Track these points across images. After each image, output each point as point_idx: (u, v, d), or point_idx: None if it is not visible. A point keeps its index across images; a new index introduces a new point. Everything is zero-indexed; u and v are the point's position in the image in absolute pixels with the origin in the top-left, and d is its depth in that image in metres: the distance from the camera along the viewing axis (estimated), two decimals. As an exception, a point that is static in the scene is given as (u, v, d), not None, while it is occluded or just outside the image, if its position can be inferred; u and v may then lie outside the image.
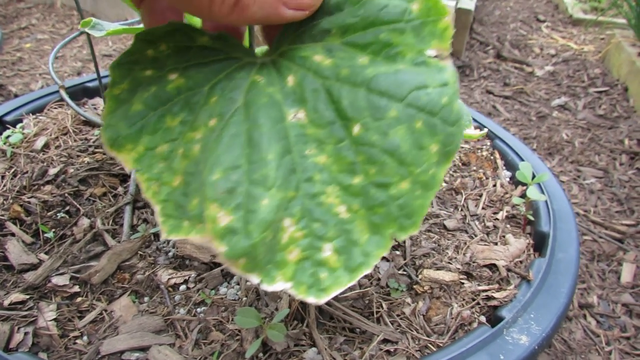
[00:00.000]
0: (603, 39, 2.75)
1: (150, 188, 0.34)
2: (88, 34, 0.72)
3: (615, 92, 2.12)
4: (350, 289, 0.66)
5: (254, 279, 0.32)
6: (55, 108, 1.06)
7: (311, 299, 0.32)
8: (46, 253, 0.71)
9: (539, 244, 0.77)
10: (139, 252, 0.70)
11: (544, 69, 2.40)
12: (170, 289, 0.65)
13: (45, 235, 0.73)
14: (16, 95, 2.02)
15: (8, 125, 0.98)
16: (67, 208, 0.79)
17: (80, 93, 1.14)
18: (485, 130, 1.01)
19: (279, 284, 0.32)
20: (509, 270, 0.70)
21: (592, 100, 2.09)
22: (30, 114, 1.01)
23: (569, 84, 2.25)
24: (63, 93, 0.90)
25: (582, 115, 1.97)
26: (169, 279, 0.66)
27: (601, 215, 1.43)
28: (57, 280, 0.64)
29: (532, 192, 0.78)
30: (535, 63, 2.47)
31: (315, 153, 0.33)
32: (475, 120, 1.11)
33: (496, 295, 0.64)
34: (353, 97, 0.33)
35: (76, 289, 0.64)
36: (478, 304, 0.65)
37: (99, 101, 1.12)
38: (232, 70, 0.36)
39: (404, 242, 0.75)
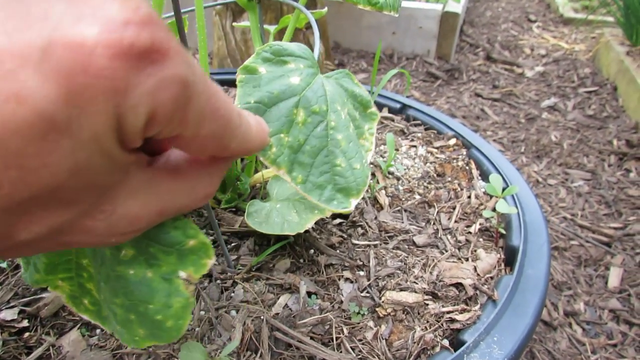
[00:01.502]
0: (594, 38, 2.73)
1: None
2: None
3: (605, 92, 2.09)
4: (310, 314, 0.64)
5: None
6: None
7: None
8: (1, 284, 0.69)
9: (510, 258, 0.75)
10: (94, 280, 0.68)
11: (534, 69, 2.38)
12: (124, 319, 0.63)
13: (0, 265, 0.71)
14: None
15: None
16: (26, 235, 0.77)
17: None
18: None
19: None
20: (475, 288, 0.68)
21: (581, 101, 2.07)
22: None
23: (559, 85, 2.22)
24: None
25: (571, 116, 1.95)
26: (123, 308, 0.64)
27: (589, 219, 1.40)
28: (6, 314, 0.62)
29: (502, 206, 0.75)
30: (526, 64, 2.44)
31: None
32: (451, 129, 1.09)
33: (459, 317, 0.62)
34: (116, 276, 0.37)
35: (25, 323, 0.62)
36: (441, 326, 0.63)
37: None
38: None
39: (369, 262, 0.73)
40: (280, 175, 0.44)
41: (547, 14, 3.30)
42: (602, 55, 2.30)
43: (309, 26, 1.84)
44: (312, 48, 1.61)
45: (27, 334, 0.61)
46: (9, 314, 0.62)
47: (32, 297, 0.65)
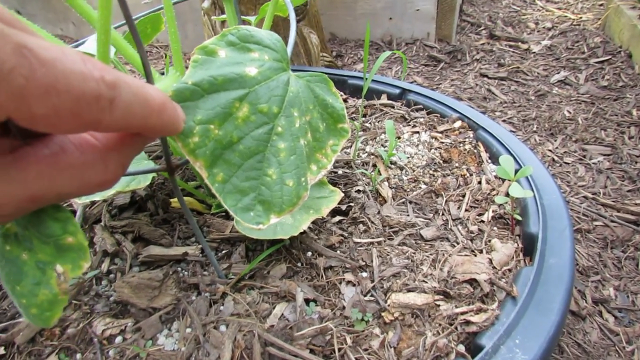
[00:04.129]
0: (601, 5, 2.61)
1: None
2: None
3: (619, 60, 1.99)
4: (308, 324, 0.57)
5: None
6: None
7: None
8: (-24, 311, 0.64)
9: (529, 247, 0.67)
10: (74, 300, 0.62)
11: (541, 44, 2.28)
12: (105, 341, 0.58)
13: (-25, 291, 0.66)
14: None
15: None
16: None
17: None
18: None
19: None
20: (492, 284, 0.61)
21: (594, 72, 1.97)
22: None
23: (568, 57, 2.12)
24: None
25: (584, 89, 1.85)
26: (104, 329, 0.58)
27: (612, 197, 1.32)
28: (-23, 345, 0.57)
29: (516, 190, 0.68)
30: (531, 39, 2.34)
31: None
32: (456, 110, 1.01)
33: (474, 319, 0.55)
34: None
35: (1, 350, 0.57)
36: (456, 329, 0.56)
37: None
38: None
39: (372, 261, 0.66)
40: (198, 170, 0.38)
41: (550, -13, 3.18)
42: (613, 22, 2.19)
43: (302, 17, 1.77)
44: (306, 41, 1.53)
45: (0, 366, 0.56)
46: (-20, 345, 0.57)
47: (7, 323, 0.60)
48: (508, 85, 1.95)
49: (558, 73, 2.00)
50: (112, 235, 0.71)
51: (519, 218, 0.72)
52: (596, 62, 2.03)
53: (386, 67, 2.18)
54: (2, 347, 0.58)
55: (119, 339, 0.58)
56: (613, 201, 1.29)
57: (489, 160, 0.88)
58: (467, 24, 2.57)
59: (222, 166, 0.39)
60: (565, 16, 2.58)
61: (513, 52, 2.23)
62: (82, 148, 0.29)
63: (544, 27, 2.46)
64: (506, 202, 0.74)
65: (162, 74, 1.02)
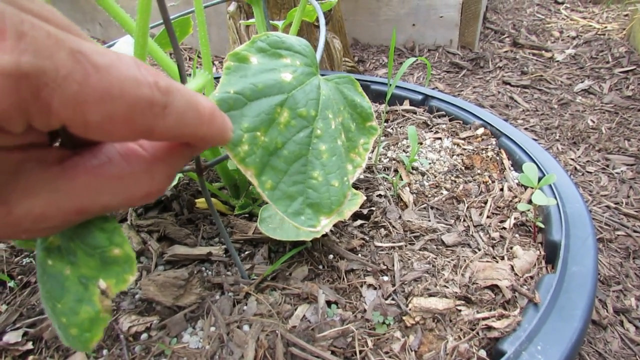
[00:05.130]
0: (627, 15, 2.58)
1: None
2: None
3: (644, 70, 1.97)
4: (330, 326, 0.58)
5: None
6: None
7: None
8: (9, 304, 0.66)
9: (551, 255, 0.67)
10: (100, 298, 0.64)
11: (565, 52, 2.26)
12: (130, 338, 0.59)
13: (9, 284, 0.68)
14: None
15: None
16: (36, 252, 0.74)
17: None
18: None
19: None
20: (514, 290, 0.61)
21: (618, 82, 1.94)
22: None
23: (592, 66, 2.10)
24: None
25: (608, 99, 1.83)
26: (130, 326, 0.60)
27: (635, 207, 1.30)
28: (10, 337, 0.59)
29: (539, 197, 0.68)
30: (555, 47, 2.33)
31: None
32: (479, 117, 1.02)
33: (496, 324, 0.55)
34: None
35: (29, 345, 0.59)
36: (477, 334, 0.56)
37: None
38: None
39: (393, 265, 0.66)
40: (247, 177, 0.39)
41: (575, -5, 3.15)
42: (638, 32, 2.17)
43: (326, 22, 1.78)
44: (329, 46, 1.54)
45: (31, 357, 0.58)
46: (13, 336, 0.59)
47: (36, 318, 0.62)
48: (531, 93, 1.94)
49: (582, 82, 1.98)
50: (138, 234, 0.73)
51: (542, 225, 0.72)
52: (621, 72, 2.00)
53: (408, 73, 2.18)
54: (30, 342, 0.60)
55: (144, 336, 0.59)
56: (636, 211, 1.28)
57: (512, 168, 0.88)
58: (490, 31, 2.56)
59: (270, 173, 0.39)
60: (590, 25, 2.55)
61: (536, 60, 2.22)
62: (129, 158, 0.28)
63: (568, 36, 2.44)
64: (528, 210, 0.74)
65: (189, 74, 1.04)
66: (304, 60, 0.45)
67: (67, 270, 0.33)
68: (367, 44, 2.45)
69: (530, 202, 0.76)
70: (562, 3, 2.99)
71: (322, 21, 0.65)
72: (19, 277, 0.70)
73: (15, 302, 0.65)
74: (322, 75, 0.51)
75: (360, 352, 0.56)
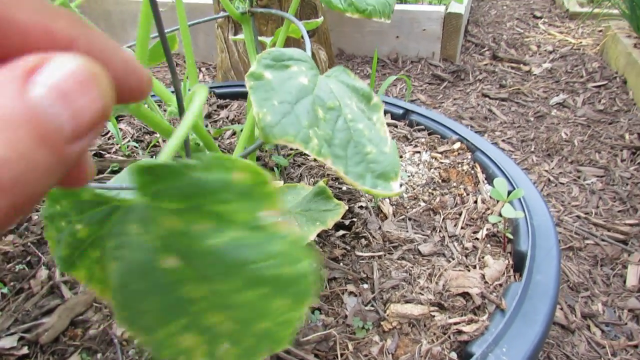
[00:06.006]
0: (601, 31, 2.68)
1: (100, 290, 0.39)
2: None
3: (614, 86, 2.05)
4: (313, 330, 0.62)
5: None
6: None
7: None
8: (2, 310, 0.69)
9: (519, 264, 0.73)
10: (94, 303, 0.67)
11: (542, 66, 2.35)
12: (124, 342, 0.63)
13: (1, 290, 0.71)
14: None
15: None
16: (29, 258, 0.77)
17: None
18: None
19: None
20: (483, 297, 0.66)
21: (591, 96, 2.03)
22: None
23: (567, 80, 2.19)
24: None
25: (581, 112, 1.91)
26: (123, 331, 0.63)
27: (603, 217, 1.37)
28: (5, 342, 0.62)
29: (508, 211, 0.73)
30: (533, 61, 2.41)
31: (193, 289, 0.31)
32: (455, 132, 1.07)
33: (466, 328, 0.60)
34: (204, 262, 0.30)
35: (25, 350, 0.62)
36: (449, 338, 0.61)
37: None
38: (113, 216, 0.37)
39: (373, 274, 0.71)
40: (329, 167, 0.45)
41: (552, 10, 3.25)
42: (610, 48, 2.26)
43: (312, 34, 1.83)
44: (315, 57, 1.61)
45: (28, 362, 0.61)
46: (8, 342, 0.62)
47: (32, 323, 0.65)
48: (509, 106, 2.01)
49: (557, 95, 2.06)
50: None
51: (511, 237, 0.77)
52: (593, 87, 2.09)
53: (391, 84, 2.24)
54: (26, 347, 0.63)
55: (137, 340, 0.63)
56: (604, 221, 1.35)
57: (485, 181, 0.94)
58: (471, 44, 2.64)
59: (337, 161, 0.45)
60: (566, 40, 2.65)
61: (515, 73, 2.30)
62: None
63: (545, 50, 2.53)
64: (499, 222, 0.79)
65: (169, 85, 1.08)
66: (307, 65, 0.51)
67: (232, 232, 0.30)
68: (352, 54, 2.51)
69: (500, 214, 0.81)
70: (541, 17, 3.09)
71: (307, 40, 0.70)
72: (11, 283, 0.73)
73: (9, 308, 0.67)
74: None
75: (342, 355, 0.60)
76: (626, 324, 1.08)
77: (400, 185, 0.50)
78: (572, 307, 1.13)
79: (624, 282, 1.18)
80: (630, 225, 1.32)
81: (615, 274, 1.20)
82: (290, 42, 1.69)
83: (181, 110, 0.45)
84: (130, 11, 2.77)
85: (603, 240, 1.29)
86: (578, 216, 1.37)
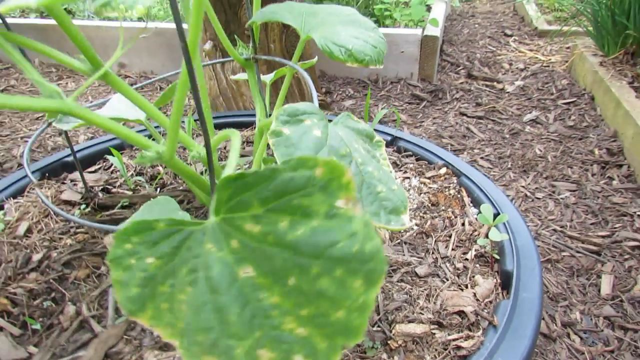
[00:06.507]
0: (568, 48, 2.84)
1: (167, 332, 0.42)
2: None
3: (583, 102, 2.19)
4: (327, 351, 0.69)
5: None
6: (34, 189, 1.10)
7: None
8: (35, 345, 0.74)
9: (506, 282, 0.81)
10: (125, 336, 0.73)
11: (514, 84, 2.47)
12: (156, 370, 0.68)
13: (33, 326, 0.76)
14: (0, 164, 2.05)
15: (-8, 213, 1.01)
16: (53, 295, 0.82)
17: (59, 169, 1.18)
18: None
19: None
20: (477, 314, 0.74)
21: (562, 112, 2.15)
22: (11, 198, 1.05)
23: (539, 97, 2.31)
24: (39, 193, 0.94)
25: (553, 128, 2.03)
26: (154, 360, 0.69)
27: (577, 229, 1.47)
28: (47, 374, 0.67)
29: (494, 234, 0.82)
30: (506, 79, 2.54)
31: (268, 296, 0.38)
32: (441, 158, 1.16)
33: (464, 344, 0.68)
34: (283, 259, 0.38)
35: (67, 380, 0.67)
36: (449, 353, 0.68)
37: (77, 176, 1.16)
38: (187, 240, 0.42)
39: (377, 297, 0.78)
40: None
41: (522, 28, 3.41)
42: (578, 66, 2.40)
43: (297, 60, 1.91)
44: (300, 82, 1.68)
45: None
46: (50, 375, 0.67)
47: (70, 357, 0.70)
48: (485, 123, 2.12)
49: (530, 112, 2.18)
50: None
51: (497, 257, 0.86)
52: (563, 103, 2.22)
53: (373, 105, 2.33)
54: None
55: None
56: (578, 233, 1.45)
57: (471, 204, 1.02)
58: (447, 63, 2.76)
59: None
60: (536, 58, 2.79)
61: (489, 91, 2.42)
62: None
63: (517, 68, 2.67)
64: (487, 244, 0.87)
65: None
66: (318, 117, 0.59)
67: (313, 222, 0.37)
68: (334, 75, 2.60)
69: (487, 236, 0.90)
70: (511, 36, 3.24)
71: (310, 82, 0.77)
72: (40, 319, 0.78)
73: (46, 344, 0.73)
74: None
75: (354, 372, 0.67)
76: (602, 330, 1.18)
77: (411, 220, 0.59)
78: (552, 316, 1.22)
79: (599, 291, 1.28)
80: (602, 237, 1.42)
81: (591, 284, 1.30)
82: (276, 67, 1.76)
83: (209, 158, 0.52)
84: (111, 37, 2.83)
85: (578, 252, 1.38)
86: (554, 229, 1.47)
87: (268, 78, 1.04)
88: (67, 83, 2.90)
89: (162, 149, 0.61)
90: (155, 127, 1.20)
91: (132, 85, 2.78)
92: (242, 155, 1.27)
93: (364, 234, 0.36)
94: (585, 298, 1.26)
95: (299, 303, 0.37)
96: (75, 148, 1.21)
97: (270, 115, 0.91)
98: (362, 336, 0.37)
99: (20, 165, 2.05)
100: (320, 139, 0.56)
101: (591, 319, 1.21)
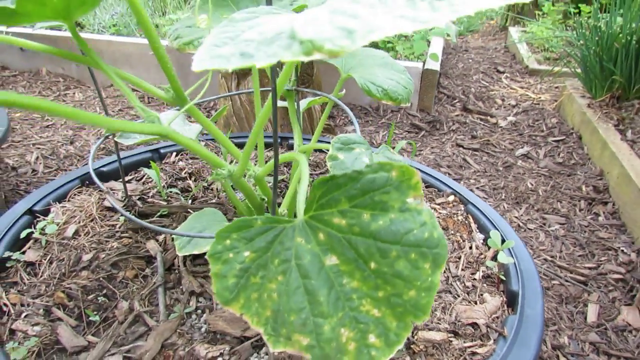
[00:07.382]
0: (557, 88, 3.01)
1: (253, 320, 0.50)
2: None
3: (571, 141, 2.34)
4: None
5: None
6: (77, 194, 1.18)
7: None
8: (93, 335, 0.82)
9: (511, 301, 0.92)
10: (177, 330, 0.82)
11: (507, 119, 2.63)
12: (208, 362, 0.77)
13: (90, 318, 0.84)
14: (14, 168, 2.11)
15: (37, 214, 1.09)
16: (105, 291, 0.90)
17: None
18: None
19: None
20: (488, 327, 0.85)
21: (551, 149, 2.30)
22: (57, 202, 1.13)
23: (530, 134, 2.46)
24: (111, 199, 1.02)
25: (543, 164, 2.17)
26: (206, 353, 0.78)
27: (566, 260, 1.59)
28: (112, 361, 0.75)
29: (503, 257, 0.93)
30: (499, 114, 2.69)
31: (349, 281, 0.48)
32: (449, 186, 1.27)
33: (479, 350, 0.78)
34: (366, 246, 0.48)
35: (128, 368, 0.75)
36: (466, 358, 0.79)
37: (113, 184, 1.24)
38: (280, 236, 0.52)
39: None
40: None
41: (513, 65, 3.60)
42: (566, 106, 2.57)
43: (308, 85, 2.04)
44: (310, 108, 1.79)
45: (132, 378, 0.74)
46: (114, 361, 0.75)
47: (130, 345, 0.78)
48: (480, 155, 2.26)
49: (522, 147, 2.33)
50: (196, 279, 0.91)
51: (503, 278, 0.97)
52: (553, 141, 2.37)
53: (374, 131, 2.46)
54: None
55: (220, 359, 0.78)
56: (567, 264, 1.57)
57: (477, 230, 1.14)
58: (443, 95, 2.91)
59: None
60: (527, 95, 2.96)
61: (484, 125, 2.56)
62: None
63: (509, 104, 2.83)
64: (494, 266, 0.98)
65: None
66: (364, 147, 0.70)
67: (391, 215, 0.49)
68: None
69: (493, 259, 1.01)
70: (503, 72, 3.42)
71: (357, 125, 0.88)
72: (94, 312, 0.86)
73: (107, 334, 0.81)
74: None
75: (382, 371, 0.77)
76: (588, 355, 1.29)
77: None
78: (543, 339, 1.33)
79: (585, 318, 1.40)
80: (589, 268, 1.55)
81: (578, 311, 1.42)
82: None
83: (275, 178, 0.62)
84: (121, 51, 2.93)
85: (567, 281, 1.51)
86: (545, 259, 1.60)
87: (302, 105, 1.15)
88: (74, 93, 2.98)
89: (233, 169, 0.71)
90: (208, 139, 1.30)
91: (140, 98, 2.87)
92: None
93: (432, 224, 0.47)
94: (572, 324, 1.38)
95: (377, 285, 0.48)
96: (107, 161, 1.30)
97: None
98: (428, 315, 0.47)
99: (34, 170, 2.12)
100: (369, 166, 0.67)
101: (578, 344, 1.32)
